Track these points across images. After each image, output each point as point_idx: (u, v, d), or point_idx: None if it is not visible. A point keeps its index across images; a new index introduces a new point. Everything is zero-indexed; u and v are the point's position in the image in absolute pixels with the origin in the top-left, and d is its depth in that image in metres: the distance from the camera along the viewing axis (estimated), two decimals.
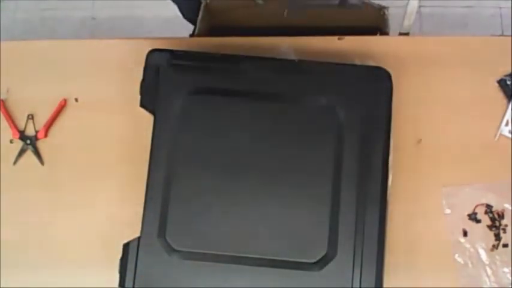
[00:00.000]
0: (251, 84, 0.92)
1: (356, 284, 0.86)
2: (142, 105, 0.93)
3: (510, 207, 0.97)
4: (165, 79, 0.93)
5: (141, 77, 0.94)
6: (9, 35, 1.71)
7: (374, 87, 0.92)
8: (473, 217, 0.97)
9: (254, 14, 1.14)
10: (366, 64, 0.96)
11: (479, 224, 0.97)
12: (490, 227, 0.97)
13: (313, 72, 0.93)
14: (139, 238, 0.88)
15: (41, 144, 1.04)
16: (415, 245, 0.96)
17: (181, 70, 0.93)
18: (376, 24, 1.15)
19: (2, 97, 1.06)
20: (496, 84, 1.02)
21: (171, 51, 0.94)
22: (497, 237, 0.96)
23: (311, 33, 1.05)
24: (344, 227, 0.87)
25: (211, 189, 0.90)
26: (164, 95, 0.92)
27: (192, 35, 1.23)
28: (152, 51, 0.94)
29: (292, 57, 0.94)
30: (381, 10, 1.10)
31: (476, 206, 0.98)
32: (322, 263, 0.87)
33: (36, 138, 1.03)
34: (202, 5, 1.11)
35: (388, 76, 0.93)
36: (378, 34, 1.16)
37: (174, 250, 0.88)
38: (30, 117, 1.05)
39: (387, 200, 0.89)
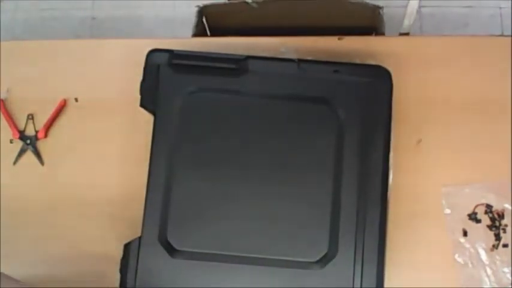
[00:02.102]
0: (251, 84, 0.92)
1: (357, 283, 0.86)
2: (142, 105, 0.93)
3: (510, 207, 0.97)
4: (165, 79, 0.93)
5: (141, 77, 0.94)
6: (9, 35, 1.71)
7: (374, 86, 0.92)
8: (473, 217, 0.97)
9: (249, 17, 1.14)
10: (366, 63, 0.96)
11: (479, 224, 0.97)
12: (490, 227, 0.97)
13: (313, 72, 0.93)
14: (140, 238, 0.88)
15: (41, 144, 1.04)
16: (415, 244, 0.96)
17: (182, 70, 0.93)
18: (371, 24, 1.15)
19: (2, 97, 1.06)
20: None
21: (171, 51, 0.94)
22: (497, 237, 0.96)
23: (308, 34, 1.05)
24: (345, 227, 0.87)
25: (211, 188, 0.90)
26: (164, 95, 0.92)
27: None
28: (152, 51, 0.94)
29: (292, 56, 0.94)
30: (376, 10, 1.11)
31: (476, 206, 0.98)
32: (323, 262, 0.87)
33: (36, 138, 1.03)
34: (196, 11, 1.11)
35: (388, 75, 0.92)
36: (374, 34, 1.16)
37: (175, 250, 0.88)
38: (30, 117, 1.05)
39: (388, 200, 0.89)
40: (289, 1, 1.13)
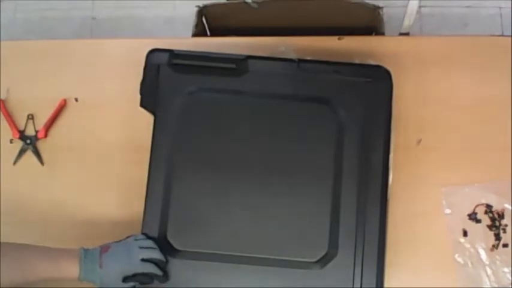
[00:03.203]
0: (251, 83, 0.92)
1: (357, 283, 0.86)
2: (142, 105, 0.93)
3: (510, 207, 0.97)
4: (165, 79, 0.93)
5: (141, 77, 0.94)
6: (9, 35, 1.71)
7: (374, 86, 0.92)
8: (473, 217, 0.97)
9: (249, 17, 1.14)
10: (366, 63, 0.96)
11: (479, 224, 0.97)
12: (490, 227, 0.97)
13: (313, 72, 0.93)
14: None
15: (41, 144, 1.04)
16: (415, 244, 0.96)
17: (182, 70, 0.93)
18: (371, 24, 1.15)
19: (2, 97, 1.06)
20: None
21: (171, 51, 0.94)
22: (497, 237, 0.96)
23: (308, 34, 1.05)
24: (345, 227, 0.87)
25: (211, 189, 0.90)
26: (164, 94, 0.92)
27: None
28: (152, 51, 0.94)
29: (292, 56, 0.94)
30: (375, 10, 1.11)
31: (476, 206, 0.98)
32: (323, 262, 0.87)
33: (36, 138, 1.03)
34: (196, 11, 1.11)
35: (388, 75, 0.92)
36: (374, 34, 1.16)
37: (175, 250, 0.88)
38: (30, 117, 1.05)
39: (387, 200, 0.89)
40: (289, 1, 1.13)
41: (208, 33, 1.19)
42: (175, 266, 0.87)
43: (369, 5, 1.10)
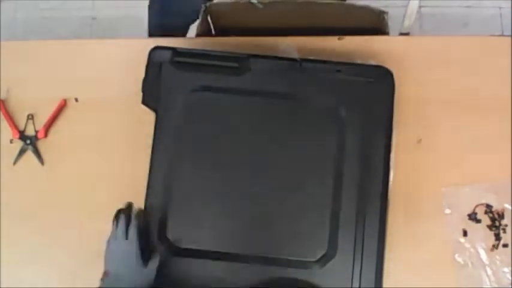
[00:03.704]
0: (253, 82, 0.92)
1: (356, 283, 0.86)
2: (144, 103, 0.93)
3: (510, 207, 0.97)
4: (167, 77, 0.93)
5: (141, 77, 0.94)
6: (9, 35, 1.71)
7: (376, 86, 0.92)
8: (473, 217, 0.97)
9: (254, 17, 1.14)
10: (368, 63, 0.96)
11: (479, 224, 0.97)
12: (490, 227, 0.97)
13: (314, 71, 0.93)
14: None
15: (41, 144, 1.04)
16: (415, 244, 0.96)
17: (184, 68, 0.93)
18: (376, 27, 1.14)
19: (2, 97, 1.06)
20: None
21: (173, 49, 0.94)
22: (497, 237, 0.96)
23: (311, 34, 1.05)
24: (344, 226, 0.87)
25: (212, 187, 0.90)
26: (166, 92, 0.92)
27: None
28: (155, 49, 0.94)
29: (294, 56, 0.94)
30: (380, 15, 1.10)
31: (476, 206, 0.98)
32: (323, 261, 0.87)
33: (36, 138, 1.03)
34: (201, 10, 1.11)
35: (390, 75, 0.93)
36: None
37: (175, 248, 0.88)
38: (30, 117, 1.05)
39: (388, 200, 0.89)
40: (294, 4, 1.13)
41: (213, 31, 1.19)
42: (175, 264, 0.87)
43: (374, 9, 1.10)
